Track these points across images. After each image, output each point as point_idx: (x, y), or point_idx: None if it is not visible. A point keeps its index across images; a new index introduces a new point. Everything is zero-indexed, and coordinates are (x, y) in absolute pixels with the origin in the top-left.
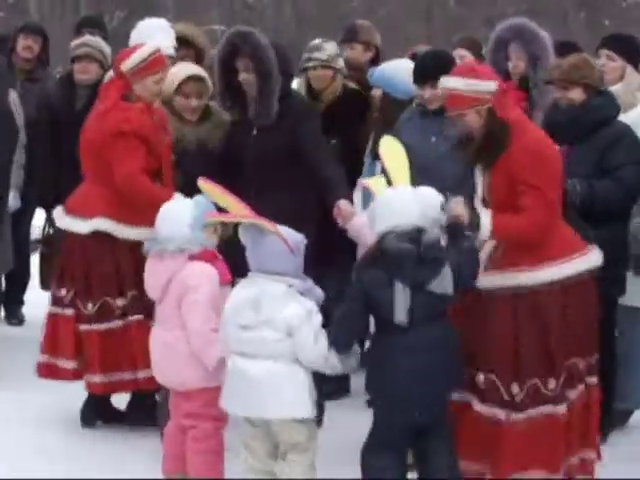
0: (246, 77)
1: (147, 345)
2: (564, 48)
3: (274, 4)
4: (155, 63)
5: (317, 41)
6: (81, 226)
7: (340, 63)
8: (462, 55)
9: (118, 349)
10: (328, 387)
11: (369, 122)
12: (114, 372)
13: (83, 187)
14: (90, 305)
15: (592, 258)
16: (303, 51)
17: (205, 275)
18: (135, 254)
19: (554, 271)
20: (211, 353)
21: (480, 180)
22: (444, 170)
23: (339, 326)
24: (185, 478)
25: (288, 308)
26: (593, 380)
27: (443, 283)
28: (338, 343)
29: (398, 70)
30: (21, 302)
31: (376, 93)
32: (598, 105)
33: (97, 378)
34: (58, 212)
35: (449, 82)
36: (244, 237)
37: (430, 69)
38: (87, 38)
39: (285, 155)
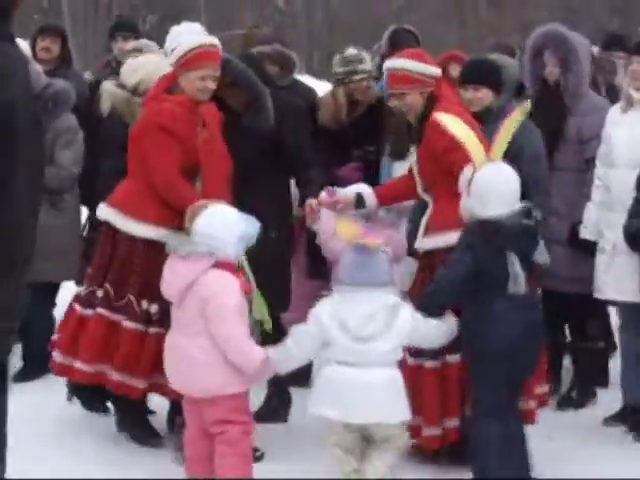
0: (232, 103)
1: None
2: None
3: (306, 8)
4: (198, 58)
5: (353, 51)
6: (99, 212)
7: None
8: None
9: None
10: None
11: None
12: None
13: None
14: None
15: None
16: (337, 58)
17: (232, 283)
18: (135, 249)
19: None
20: (252, 358)
21: (414, 161)
22: None
23: (440, 289)
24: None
25: (401, 316)
26: None
27: (543, 254)
28: (435, 306)
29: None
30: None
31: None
32: None
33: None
34: None
35: (397, 62)
36: (355, 252)
37: (473, 73)
38: (140, 43)
39: (270, 150)
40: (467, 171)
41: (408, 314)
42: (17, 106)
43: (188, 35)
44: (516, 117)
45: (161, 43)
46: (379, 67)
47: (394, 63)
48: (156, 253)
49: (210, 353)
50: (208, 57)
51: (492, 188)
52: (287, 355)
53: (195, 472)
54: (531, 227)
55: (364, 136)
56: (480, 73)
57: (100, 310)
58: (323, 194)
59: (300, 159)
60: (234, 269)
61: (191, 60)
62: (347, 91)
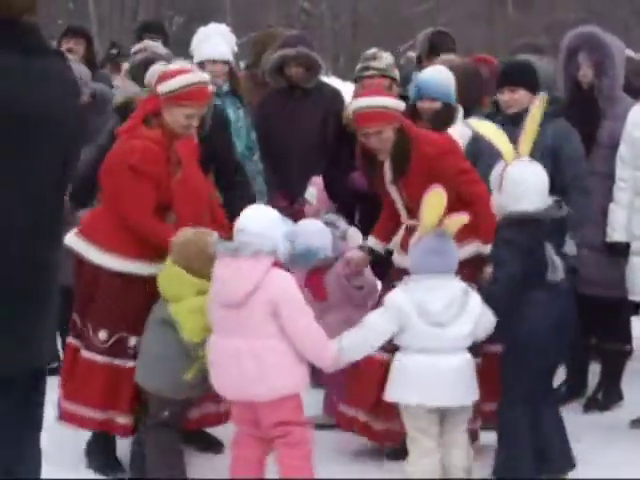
0: None
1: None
2: None
3: (332, 9)
4: (189, 96)
5: (373, 50)
6: (67, 239)
7: (396, 73)
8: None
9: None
10: None
11: None
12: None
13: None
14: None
15: None
16: (358, 59)
17: (293, 279)
18: (99, 279)
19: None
20: (330, 349)
21: (396, 194)
22: None
23: (504, 286)
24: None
25: (471, 301)
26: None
27: (569, 245)
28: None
29: (449, 78)
30: None
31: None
32: None
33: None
34: None
35: (372, 100)
36: (431, 241)
37: (509, 75)
38: (145, 43)
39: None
40: (498, 168)
41: (477, 299)
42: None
43: (214, 38)
44: (537, 112)
45: (187, 44)
46: (410, 69)
47: (369, 101)
48: (121, 284)
49: (283, 354)
50: (199, 96)
51: (525, 183)
52: (362, 343)
53: (240, 474)
54: (563, 219)
55: None
56: (516, 74)
57: (69, 339)
58: (338, 266)
59: (227, 174)
60: (284, 268)
61: (181, 96)
62: (362, 88)
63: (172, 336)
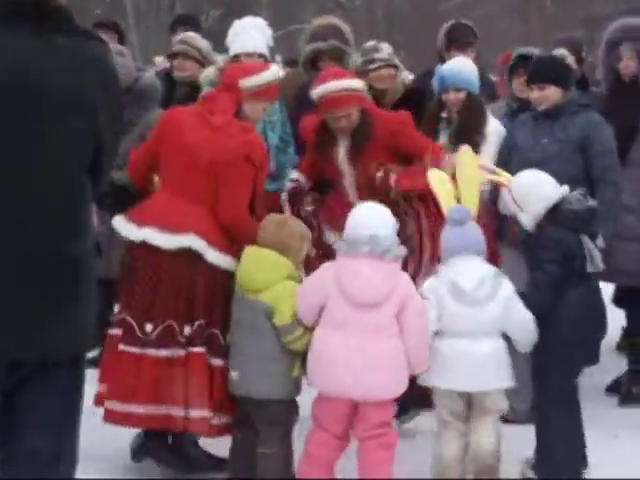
0: None
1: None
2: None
3: (366, 3)
4: (273, 90)
5: (371, 43)
6: (167, 241)
7: (397, 61)
8: (561, 54)
9: (172, 380)
10: None
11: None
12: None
13: (172, 199)
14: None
15: None
16: (358, 53)
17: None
18: (217, 281)
19: None
20: (427, 360)
21: (349, 171)
22: (554, 169)
23: (544, 291)
24: None
25: (504, 283)
26: None
27: (600, 240)
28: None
29: (471, 68)
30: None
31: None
32: None
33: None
34: (121, 222)
35: (340, 83)
36: (452, 225)
37: (536, 72)
38: (185, 35)
39: None
40: (505, 194)
41: (510, 285)
42: None
43: (250, 31)
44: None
45: (223, 38)
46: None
47: (338, 85)
48: (230, 284)
49: (401, 354)
50: (276, 92)
51: (534, 180)
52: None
53: (313, 475)
54: (595, 208)
55: None
56: (543, 72)
57: (198, 349)
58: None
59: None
60: None
61: (267, 91)
62: (367, 82)
63: (272, 334)
